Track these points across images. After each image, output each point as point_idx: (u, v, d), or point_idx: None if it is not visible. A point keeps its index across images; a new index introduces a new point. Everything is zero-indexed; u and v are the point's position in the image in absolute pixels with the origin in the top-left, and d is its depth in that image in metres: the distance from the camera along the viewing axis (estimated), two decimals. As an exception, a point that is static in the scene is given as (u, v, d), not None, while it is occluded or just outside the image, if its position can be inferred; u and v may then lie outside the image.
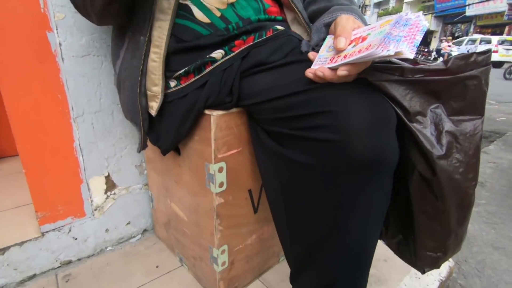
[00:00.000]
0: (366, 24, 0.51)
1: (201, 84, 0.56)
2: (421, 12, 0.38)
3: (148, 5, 0.55)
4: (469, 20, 19.23)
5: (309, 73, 0.45)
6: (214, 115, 0.57)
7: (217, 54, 0.55)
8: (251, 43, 0.55)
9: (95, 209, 0.87)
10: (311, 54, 0.48)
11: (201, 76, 0.56)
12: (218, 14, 0.55)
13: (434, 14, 20.71)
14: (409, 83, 0.43)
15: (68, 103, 0.75)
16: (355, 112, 0.42)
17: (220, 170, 0.61)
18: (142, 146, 0.70)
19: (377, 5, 28.26)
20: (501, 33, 17.30)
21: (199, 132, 0.61)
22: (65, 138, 0.77)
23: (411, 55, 0.36)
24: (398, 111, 0.44)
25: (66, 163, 0.79)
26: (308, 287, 0.59)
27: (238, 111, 0.60)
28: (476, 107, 0.44)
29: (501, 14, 16.55)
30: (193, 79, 0.57)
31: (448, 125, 0.44)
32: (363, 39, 0.41)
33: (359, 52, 0.39)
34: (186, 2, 0.55)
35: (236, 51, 0.55)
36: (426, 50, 20.08)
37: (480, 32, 19.16)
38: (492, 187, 1.61)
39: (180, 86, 0.59)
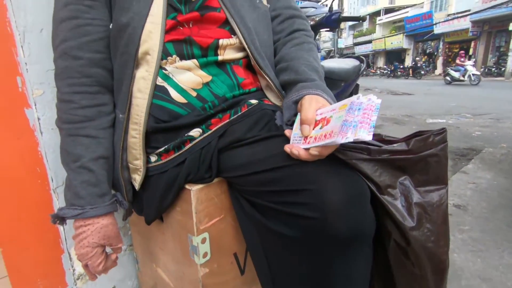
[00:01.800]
0: (328, 94, 0.55)
1: (181, 161, 0.58)
2: (374, 97, 0.41)
3: (127, 84, 0.58)
4: (438, 37, 20.51)
5: (287, 148, 0.48)
6: (194, 190, 0.58)
7: (195, 132, 0.57)
8: (227, 120, 0.58)
9: (77, 278, 0.83)
10: (287, 132, 0.52)
11: (180, 153, 0.58)
12: (194, 94, 0.58)
13: (405, 34, 22.01)
14: (377, 161, 0.46)
15: (47, 174, 0.75)
16: (332, 191, 0.44)
17: (203, 241, 0.61)
18: (127, 215, 0.70)
19: (352, 27, 29.87)
20: (467, 49, 18.47)
21: (181, 203, 0.62)
22: (44, 210, 0.76)
23: (369, 138, 0.39)
24: (370, 185, 0.47)
25: (46, 236, 0.77)
26: None
27: (218, 181, 0.62)
28: (440, 178, 0.47)
29: (465, 31, 17.75)
30: (173, 156, 0.59)
31: (416, 197, 0.47)
32: (327, 121, 0.44)
33: (324, 137, 0.42)
34: (163, 84, 0.58)
35: (213, 129, 0.57)
36: (401, 66, 21.10)
37: (448, 48, 20.41)
38: (474, 210, 1.66)
39: (161, 162, 0.60)
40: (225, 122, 0.58)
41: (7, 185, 0.70)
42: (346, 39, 29.78)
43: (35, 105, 0.70)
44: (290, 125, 0.55)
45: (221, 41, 0.59)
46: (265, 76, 0.63)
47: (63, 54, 0.56)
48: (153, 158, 0.61)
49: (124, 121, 0.59)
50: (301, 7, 1.76)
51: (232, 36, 0.61)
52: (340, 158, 0.47)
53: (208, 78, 0.59)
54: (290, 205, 0.48)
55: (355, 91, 2.56)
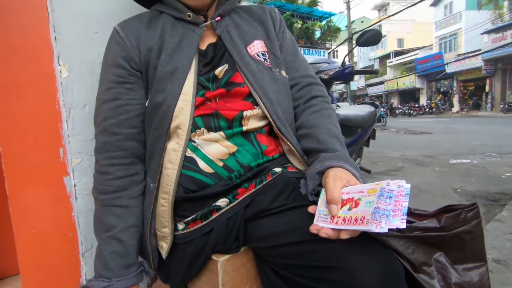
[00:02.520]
0: (350, 163, 0.55)
1: (208, 230, 0.59)
2: (403, 181, 0.42)
3: (158, 155, 0.62)
4: (451, 76, 20.70)
5: (313, 229, 0.48)
6: (221, 261, 0.57)
7: (222, 202, 0.59)
8: (253, 190, 0.60)
9: None
10: (311, 209, 0.52)
11: (207, 222, 0.59)
12: (221, 164, 0.61)
13: (417, 74, 22.40)
14: (408, 237, 0.45)
15: (78, 239, 0.77)
16: (362, 270, 0.43)
17: (230, 315, 0.59)
18: (152, 282, 0.70)
19: (363, 69, 30.73)
20: (483, 86, 18.42)
21: (207, 273, 0.61)
22: (72, 274, 0.77)
23: (403, 226, 0.39)
24: (404, 263, 0.45)
25: (71, 301, 0.77)
26: None
27: (245, 250, 0.61)
28: (477, 255, 0.45)
29: (478, 69, 17.87)
30: (200, 225, 0.60)
31: (454, 277, 0.44)
32: (356, 203, 0.44)
33: (355, 221, 0.42)
34: (192, 155, 0.61)
35: (240, 199, 0.59)
36: (416, 105, 21.13)
37: (463, 86, 20.42)
38: (517, 266, 1.51)
39: (188, 230, 0.61)
40: (251, 191, 0.60)
41: (41, 250, 0.72)
42: (358, 81, 30.58)
43: (73, 172, 0.75)
44: (315, 195, 0.55)
45: (245, 113, 0.64)
46: (287, 142, 0.66)
47: (104, 131, 0.62)
48: (180, 226, 0.62)
49: (154, 190, 0.62)
50: (314, 63, 1.87)
51: (255, 107, 0.65)
52: (370, 235, 0.46)
53: (234, 148, 0.62)
54: (318, 282, 0.47)
55: (372, 136, 2.58)
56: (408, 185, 0.42)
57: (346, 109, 2.30)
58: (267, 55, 0.70)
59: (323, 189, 0.53)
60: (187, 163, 0.61)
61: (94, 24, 0.76)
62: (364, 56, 31.22)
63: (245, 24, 0.72)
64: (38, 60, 0.71)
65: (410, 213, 0.49)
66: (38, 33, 0.70)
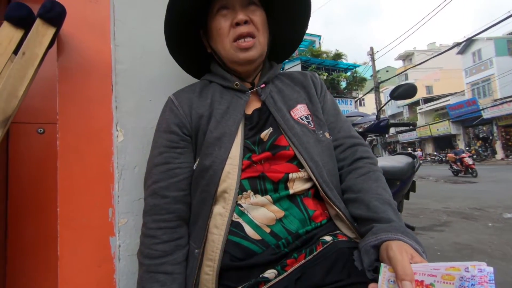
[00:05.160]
0: (409, 236, 0.50)
1: (255, 306, 0.55)
2: (483, 263, 0.37)
3: (204, 219, 0.61)
4: (489, 122, 19.65)
5: None
6: None
7: (270, 274, 0.56)
8: (303, 261, 0.56)
9: None
10: (371, 287, 0.47)
11: (254, 296, 0.55)
12: (268, 230, 0.59)
13: (451, 120, 21.59)
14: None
15: (116, 304, 0.75)
16: None
17: None
18: None
19: (392, 117, 30.40)
20: (528, 131, 17.17)
21: None
22: None
23: None
24: None
25: None
26: None
27: (294, 329, 0.55)
28: None
29: (520, 113, 16.89)
30: (245, 298, 0.56)
31: None
32: None
33: None
34: (238, 220, 0.60)
35: (289, 271, 0.55)
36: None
37: (505, 132, 19.16)
38: None
39: (232, 303, 0.57)
40: (301, 263, 0.56)
41: (80, 316, 0.71)
42: (387, 128, 29.96)
43: (119, 233, 0.77)
44: (373, 271, 0.50)
45: (291, 175, 0.63)
46: (335, 207, 0.63)
47: (153, 194, 0.64)
48: (224, 298, 0.59)
49: (199, 256, 0.61)
50: (348, 116, 1.88)
51: (300, 170, 0.65)
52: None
53: (281, 213, 0.60)
54: None
55: (412, 188, 2.42)
56: (491, 269, 0.37)
57: (382, 161, 2.22)
58: (310, 118, 0.72)
59: (383, 265, 0.48)
60: (234, 228, 0.60)
61: (149, 93, 0.84)
62: (392, 103, 31.03)
63: (288, 89, 0.75)
64: (100, 126, 0.78)
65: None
66: (102, 103, 0.78)
